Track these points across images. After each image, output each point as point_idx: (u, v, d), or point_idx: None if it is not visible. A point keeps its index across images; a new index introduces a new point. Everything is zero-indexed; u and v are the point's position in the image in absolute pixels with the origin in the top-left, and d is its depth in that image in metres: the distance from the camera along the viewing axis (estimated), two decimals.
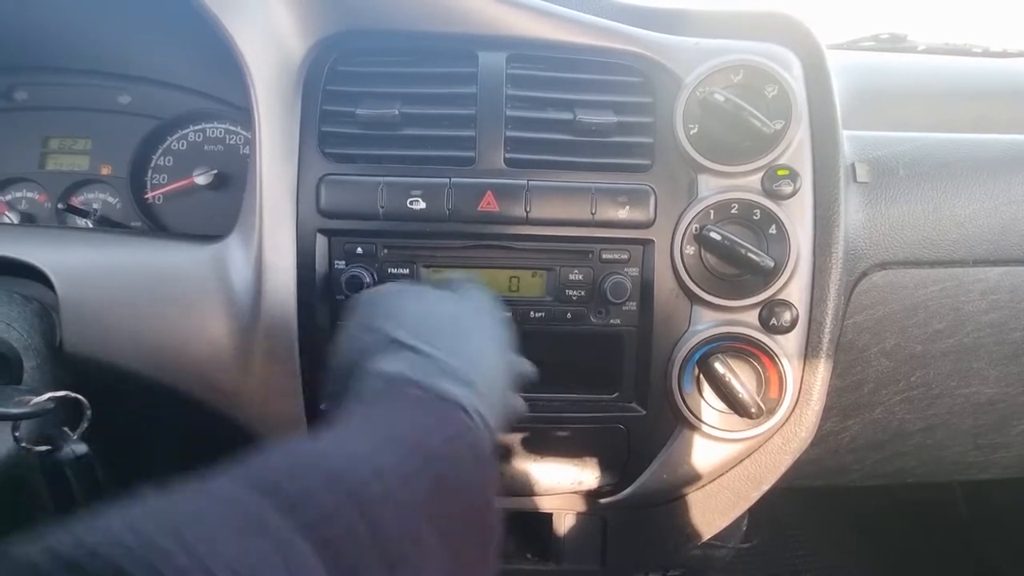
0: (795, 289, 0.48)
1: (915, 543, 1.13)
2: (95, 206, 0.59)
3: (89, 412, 0.41)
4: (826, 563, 1.09)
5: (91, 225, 0.57)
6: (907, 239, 0.55)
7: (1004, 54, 0.98)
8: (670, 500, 0.53)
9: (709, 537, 0.57)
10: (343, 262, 0.49)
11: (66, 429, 0.41)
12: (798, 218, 0.48)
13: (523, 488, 0.52)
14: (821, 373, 0.49)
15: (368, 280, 0.48)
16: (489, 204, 0.48)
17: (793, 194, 0.48)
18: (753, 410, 0.46)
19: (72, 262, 0.45)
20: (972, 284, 0.57)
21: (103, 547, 0.17)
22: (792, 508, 1.11)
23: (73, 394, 0.39)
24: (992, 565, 1.11)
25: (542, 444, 0.51)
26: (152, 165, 0.61)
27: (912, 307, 0.57)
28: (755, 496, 0.54)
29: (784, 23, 0.51)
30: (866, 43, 1.01)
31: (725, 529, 0.80)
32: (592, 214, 0.48)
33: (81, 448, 0.40)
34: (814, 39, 0.50)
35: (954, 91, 0.79)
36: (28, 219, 0.59)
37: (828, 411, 0.61)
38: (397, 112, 0.48)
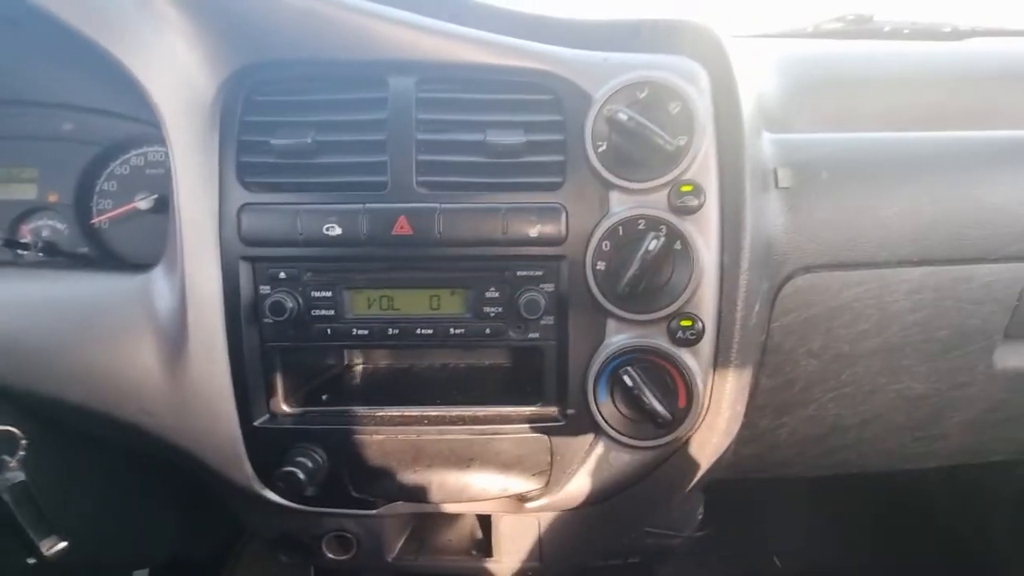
0: (701, 302, 0.49)
1: (884, 523, 1.15)
2: (44, 233, 0.62)
3: (24, 442, 0.44)
4: (788, 547, 1.11)
5: (40, 255, 0.60)
6: (830, 242, 0.56)
7: (973, 32, 0.96)
8: (594, 503, 0.55)
9: (639, 532, 0.60)
10: (268, 287, 0.51)
11: (5, 458, 0.44)
12: (704, 232, 0.49)
13: (453, 495, 0.54)
14: (731, 382, 0.51)
15: (291, 305, 0.50)
16: (403, 228, 0.49)
17: (698, 208, 0.49)
18: (659, 420, 0.48)
19: (7, 298, 0.48)
20: (896, 284, 0.57)
21: None
22: (752, 495, 1.13)
23: (5, 427, 0.42)
24: (960, 540, 1.13)
25: (469, 453, 0.53)
26: (97, 191, 0.63)
27: (837, 308, 0.58)
28: (677, 496, 0.56)
29: (692, 34, 0.51)
30: (830, 25, 1.00)
31: (679, 519, 0.83)
32: (504, 233, 0.49)
33: (18, 476, 0.43)
34: (722, 50, 0.50)
35: (906, 79, 0.78)
36: None
37: (763, 409, 0.63)
38: (311, 140, 0.49)
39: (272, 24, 0.48)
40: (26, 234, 0.62)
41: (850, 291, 0.57)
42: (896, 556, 1.15)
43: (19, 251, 0.60)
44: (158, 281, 0.49)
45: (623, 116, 0.47)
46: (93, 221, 0.63)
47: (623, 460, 0.52)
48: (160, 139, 0.63)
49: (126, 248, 0.63)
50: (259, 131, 0.50)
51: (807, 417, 0.64)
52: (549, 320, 0.51)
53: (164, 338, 0.49)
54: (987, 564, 1.08)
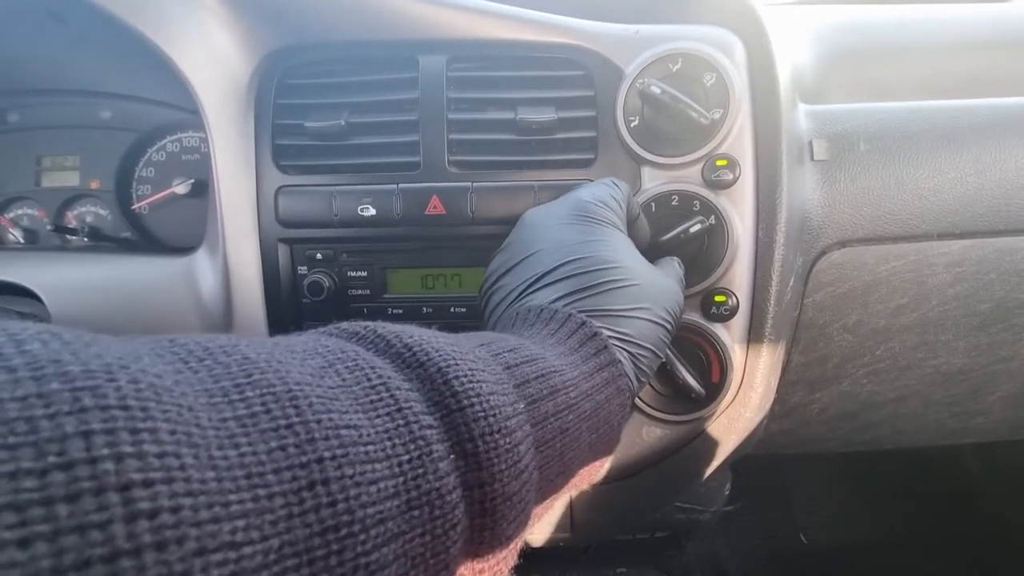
0: (735, 277, 0.49)
1: (916, 502, 1.14)
2: (88, 219, 0.64)
3: None
4: (815, 524, 1.11)
5: (86, 240, 0.62)
6: (867, 215, 0.55)
7: None
8: (625, 477, 0.55)
9: (669, 506, 0.61)
10: (305, 268, 0.52)
11: None
12: (738, 207, 0.49)
13: None
14: (764, 358, 0.51)
15: (328, 284, 0.51)
16: (436, 207, 0.50)
17: (733, 183, 0.48)
18: (693, 395, 0.48)
19: (60, 282, 0.50)
20: (936, 258, 0.56)
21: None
22: (780, 472, 1.13)
23: None
24: (999, 521, 1.11)
25: None
26: (136, 177, 0.65)
27: (873, 283, 0.57)
28: (707, 471, 0.56)
29: (726, 3, 0.49)
30: None
31: (706, 494, 0.83)
32: None
33: None
34: (757, 19, 0.49)
35: (948, 44, 0.75)
36: (30, 235, 0.64)
37: (795, 385, 0.62)
38: (343, 122, 0.49)
39: (302, 6, 0.48)
40: (72, 220, 0.64)
41: (887, 265, 0.56)
42: (928, 536, 1.14)
43: (67, 236, 0.62)
44: (201, 263, 0.51)
45: (656, 89, 0.47)
46: (134, 206, 0.65)
47: (655, 435, 0.52)
48: (194, 124, 0.65)
49: (166, 232, 0.65)
50: (293, 114, 0.50)
51: (840, 393, 0.63)
52: None
53: (208, 319, 0.51)
54: None
